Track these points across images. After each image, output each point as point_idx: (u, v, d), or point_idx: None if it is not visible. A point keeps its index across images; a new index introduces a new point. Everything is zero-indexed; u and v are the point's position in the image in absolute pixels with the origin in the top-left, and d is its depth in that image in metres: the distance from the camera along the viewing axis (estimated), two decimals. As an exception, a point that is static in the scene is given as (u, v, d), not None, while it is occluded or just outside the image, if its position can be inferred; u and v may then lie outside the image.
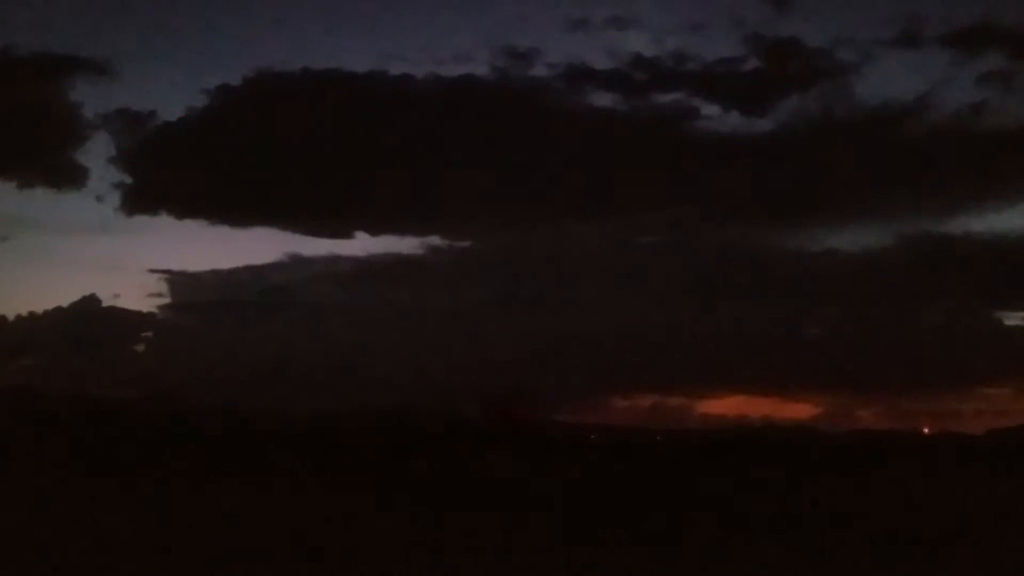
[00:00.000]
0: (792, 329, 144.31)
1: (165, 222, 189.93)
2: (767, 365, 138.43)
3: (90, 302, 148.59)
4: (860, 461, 62.36)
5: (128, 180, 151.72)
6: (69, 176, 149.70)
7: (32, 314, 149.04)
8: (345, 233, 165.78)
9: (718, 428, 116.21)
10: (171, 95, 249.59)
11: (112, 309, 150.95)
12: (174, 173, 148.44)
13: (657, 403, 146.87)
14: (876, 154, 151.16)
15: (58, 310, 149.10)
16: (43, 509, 25.83)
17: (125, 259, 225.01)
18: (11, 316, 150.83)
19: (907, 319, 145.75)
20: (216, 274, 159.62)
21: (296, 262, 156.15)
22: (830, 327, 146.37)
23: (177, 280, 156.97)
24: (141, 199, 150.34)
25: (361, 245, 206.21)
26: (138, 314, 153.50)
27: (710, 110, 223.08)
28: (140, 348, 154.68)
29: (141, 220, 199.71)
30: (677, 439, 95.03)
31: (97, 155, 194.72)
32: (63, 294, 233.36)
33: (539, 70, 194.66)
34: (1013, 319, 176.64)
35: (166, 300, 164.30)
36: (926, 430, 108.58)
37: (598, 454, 66.34)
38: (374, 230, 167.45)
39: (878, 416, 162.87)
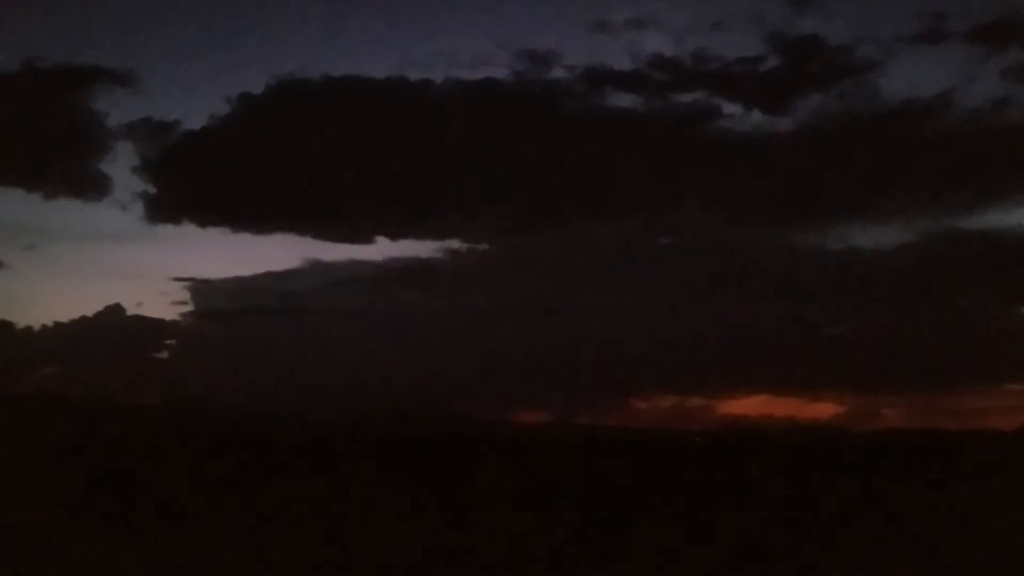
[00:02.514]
0: (814, 328, 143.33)
1: (188, 230, 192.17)
2: (789, 365, 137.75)
3: (114, 311, 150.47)
4: (888, 460, 61.59)
5: (151, 189, 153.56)
6: (93, 186, 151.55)
7: (57, 323, 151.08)
8: (365, 238, 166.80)
9: (740, 428, 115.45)
10: (194, 104, 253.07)
11: (136, 317, 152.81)
12: (197, 181, 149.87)
13: (677, 404, 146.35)
14: (899, 151, 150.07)
15: (83, 319, 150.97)
16: (67, 515, 25.83)
17: (148, 268, 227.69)
18: (36, 326, 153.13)
19: (931, 316, 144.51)
20: (238, 281, 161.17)
21: (317, 268, 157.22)
22: (853, 325, 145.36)
23: (200, 288, 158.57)
24: (164, 208, 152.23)
25: (380, 250, 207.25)
26: (161, 322, 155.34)
27: (731, 109, 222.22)
28: (164, 355, 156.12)
29: (164, 229, 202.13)
30: (698, 440, 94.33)
31: (121, 165, 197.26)
32: (88, 303, 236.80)
33: (558, 72, 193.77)
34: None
35: (189, 308, 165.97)
36: (956, 427, 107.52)
37: (618, 456, 65.90)
38: (394, 234, 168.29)
39: (903, 415, 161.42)
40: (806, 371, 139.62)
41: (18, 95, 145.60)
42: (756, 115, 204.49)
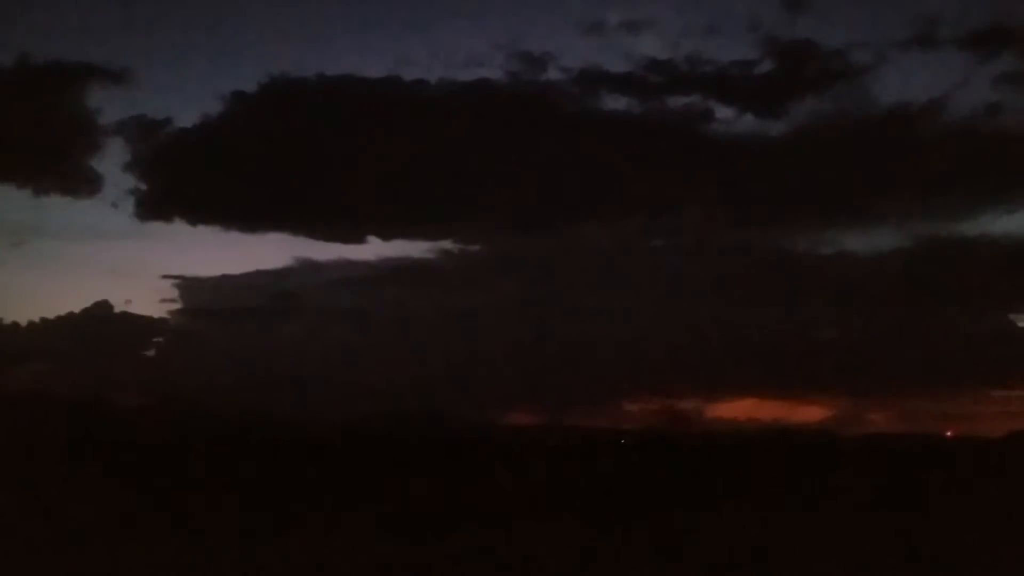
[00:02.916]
0: (805, 331, 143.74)
1: (179, 228, 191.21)
2: (779, 368, 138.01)
3: (102, 308, 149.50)
4: (876, 465, 61.64)
5: (143, 187, 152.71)
6: (84, 183, 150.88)
7: (44, 320, 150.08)
8: (357, 238, 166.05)
9: (728, 432, 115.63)
10: (187, 102, 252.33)
11: (124, 315, 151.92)
12: (189, 179, 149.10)
13: (667, 407, 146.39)
14: (891, 156, 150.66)
15: (70, 315, 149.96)
16: (53, 513, 25.65)
17: (138, 265, 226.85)
18: (23, 322, 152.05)
19: (921, 321, 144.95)
20: (228, 279, 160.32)
21: (308, 267, 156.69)
22: (843, 329, 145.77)
23: (189, 285, 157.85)
24: (156, 205, 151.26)
25: (373, 250, 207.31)
26: (150, 319, 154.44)
27: (725, 113, 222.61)
28: (151, 353, 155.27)
29: (155, 226, 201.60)
30: (686, 443, 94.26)
31: (112, 162, 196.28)
32: (76, 300, 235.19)
33: (553, 74, 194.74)
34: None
35: (178, 305, 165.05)
36: (948, 433, 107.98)
37: (608, 458, 65.89)
38: (386, 234, 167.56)
39: (892, 419, 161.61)
40: (796, 374, 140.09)
41: (10, 92, 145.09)
42: (750, 118, 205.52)
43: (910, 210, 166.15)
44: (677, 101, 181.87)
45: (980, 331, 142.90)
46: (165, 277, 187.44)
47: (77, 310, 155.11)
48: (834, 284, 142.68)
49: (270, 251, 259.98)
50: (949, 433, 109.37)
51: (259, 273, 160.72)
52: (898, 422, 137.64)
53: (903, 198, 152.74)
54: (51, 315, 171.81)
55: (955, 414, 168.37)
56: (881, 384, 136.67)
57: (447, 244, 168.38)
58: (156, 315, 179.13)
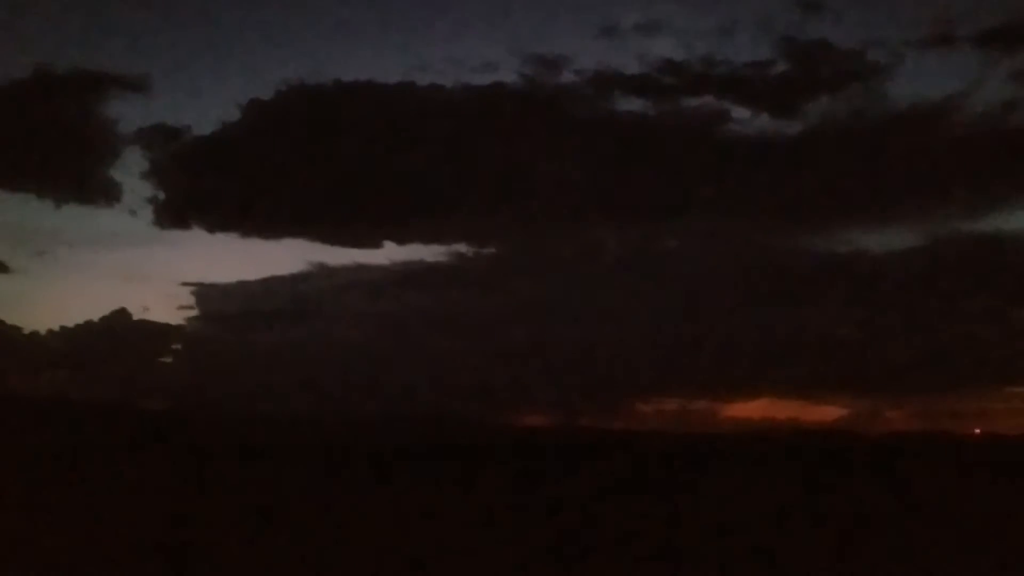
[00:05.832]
0: (820, 330, 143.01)
1: (196, 235, 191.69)
2: (794, 367, 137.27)
3: (120, 315, 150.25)
4: (892, 464, 61.47)
5: (161, 195, 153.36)
6: (103, 192, 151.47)
7: (63, 328, 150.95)
8: (373, 242, 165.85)
9: (743, 432, 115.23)
10: (205, 110, 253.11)
11: (142, 322, 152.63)
12: (207, 187, 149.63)
13: (682, 407, 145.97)
14: (907, 155, 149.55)
15: (89, 323, 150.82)
16: (74, 516, 26.00)
17: (156, 272, 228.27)
18: (43, 330, 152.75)
19: (937, 320, 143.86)
20: (244, 285, 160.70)
21: (324, 272, 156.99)
22: (860, 328, 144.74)
23: (206, 292, 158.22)
24: (174, 213, 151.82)
25: (387, 254, 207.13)
26: (167, 326, 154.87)
27: (740, 113, 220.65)
28: (168, 360, 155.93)
29: (173, 234, 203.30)
30: (702, 443, 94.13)
31: (131, 170, 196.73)
32: (94, 307, 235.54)
33: (567, 77, 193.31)
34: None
35: (195, 312, 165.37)
36: (960, 431, 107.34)
37: (623, 459, 65.90)
38: (401, 238, 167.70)
39: (909, 418, 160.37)
40: (812, 373, 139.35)
41: (30, 101, 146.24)
42: (765, 119, 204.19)
43: (926, 208, 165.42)
44: (692, 102, 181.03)
45: (997, 328, 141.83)
46: (183, 284, 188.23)
47: (95, 318, 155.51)
48: (850, 283, 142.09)
49: (286, 257, 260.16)
50: (977, 431, 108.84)
51: (275, 279, 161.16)
52: (914, 421, 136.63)
53: (919, 197, 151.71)
54: (70, 323, 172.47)
55: (971, 411, 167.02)
56: (897, 383, 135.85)
57: (461, 247, 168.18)
58: (173, 322, 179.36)
